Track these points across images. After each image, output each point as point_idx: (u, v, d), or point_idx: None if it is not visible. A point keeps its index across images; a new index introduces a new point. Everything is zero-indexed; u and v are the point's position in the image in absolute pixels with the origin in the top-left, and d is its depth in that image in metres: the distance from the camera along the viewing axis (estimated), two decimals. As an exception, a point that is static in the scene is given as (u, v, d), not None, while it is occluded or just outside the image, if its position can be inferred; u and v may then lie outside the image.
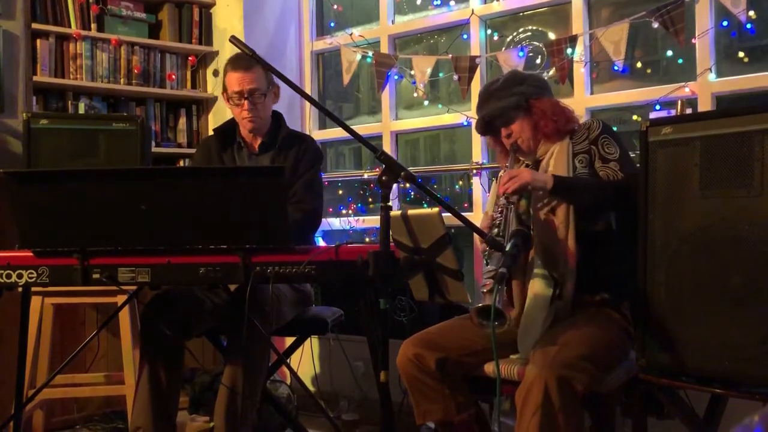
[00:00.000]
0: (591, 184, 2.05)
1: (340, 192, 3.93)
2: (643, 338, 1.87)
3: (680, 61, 2.87)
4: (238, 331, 2.17)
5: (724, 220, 1.72)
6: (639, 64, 3.04)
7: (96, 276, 1.97)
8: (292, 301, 2.57)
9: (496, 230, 1.94)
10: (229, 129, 2.76)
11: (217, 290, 2.55)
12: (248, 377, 2.30)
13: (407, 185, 3.51)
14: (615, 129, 2.17)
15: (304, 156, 2.69)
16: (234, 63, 2.66)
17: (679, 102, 2.63)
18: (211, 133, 2.94)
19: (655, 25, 2.75)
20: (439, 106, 3.57)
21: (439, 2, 3.59)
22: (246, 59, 2.61)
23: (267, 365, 2.48)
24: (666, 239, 1.82)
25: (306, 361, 3.32)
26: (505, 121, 2.19)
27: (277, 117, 2.79)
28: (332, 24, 3.98)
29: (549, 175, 1.99)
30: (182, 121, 3.86)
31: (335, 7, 3.93)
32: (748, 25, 2.62)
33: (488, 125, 2.24)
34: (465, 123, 3.42)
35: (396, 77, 3.63)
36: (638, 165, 1.92)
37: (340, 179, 3.97)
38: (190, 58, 3.86)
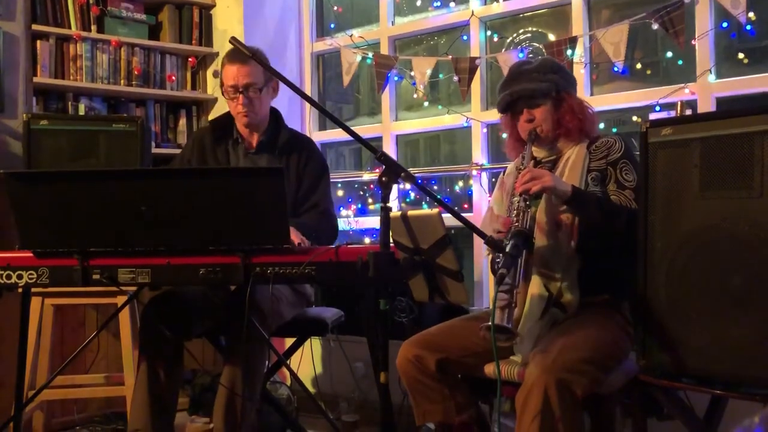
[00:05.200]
0: (606, 207, 2.00)
1: (340, 193, 3.92)
2: (643, 339, 1.87)
3: (680, 62, 2.87)
4: (236, 332, 2.17)
5: (724, 220, 1.72)
6: (639, 66, 3.04)
7: (96, 277, 1.97)
8: (290, 302, 2.56)
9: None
10: (226, 123, 2.70)
11: (217, 290, 2.55)
12: (247, 378, 2.30)
13: (407, 186, 3.54)
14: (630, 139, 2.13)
15: (309, 164, 2.64)
16: (231, 56, 2.60)
17: (679, 103, 2.62)
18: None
19: (655, 26, 2.76)
20: (439, 107, 3.57)
21: (438, 3, 3.59)
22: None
23: (265, 365, 2.47)
24: (666, 240, 1.82)
25: (306, 362, 3.31)
26: (530, 104, 2.15)
27: (276, 116, 2.72)
28: (332, 25, 3.98)
29: (570, 185, 1.96)
30: (182, 122, 3.86)
31: (335, 8, 3.93)
32: (748, 27, 2.62)
33: (512, 104, 2.18)
34: (465, 124, 3.42)
35: (396, 78, 3.63)
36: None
37: (340, 180, 3.97)
38: (190, 59, 3.87)
